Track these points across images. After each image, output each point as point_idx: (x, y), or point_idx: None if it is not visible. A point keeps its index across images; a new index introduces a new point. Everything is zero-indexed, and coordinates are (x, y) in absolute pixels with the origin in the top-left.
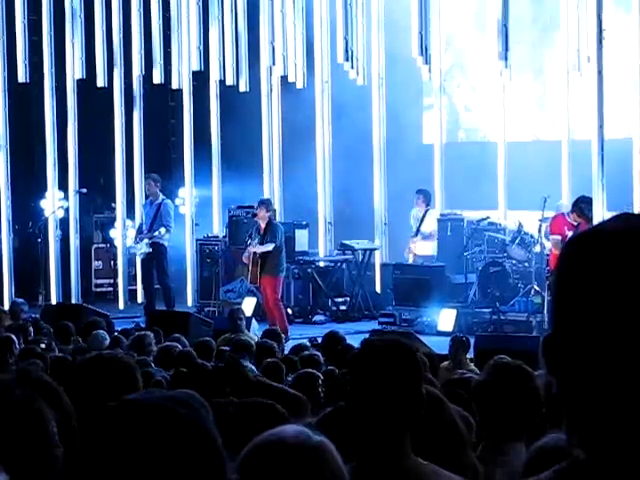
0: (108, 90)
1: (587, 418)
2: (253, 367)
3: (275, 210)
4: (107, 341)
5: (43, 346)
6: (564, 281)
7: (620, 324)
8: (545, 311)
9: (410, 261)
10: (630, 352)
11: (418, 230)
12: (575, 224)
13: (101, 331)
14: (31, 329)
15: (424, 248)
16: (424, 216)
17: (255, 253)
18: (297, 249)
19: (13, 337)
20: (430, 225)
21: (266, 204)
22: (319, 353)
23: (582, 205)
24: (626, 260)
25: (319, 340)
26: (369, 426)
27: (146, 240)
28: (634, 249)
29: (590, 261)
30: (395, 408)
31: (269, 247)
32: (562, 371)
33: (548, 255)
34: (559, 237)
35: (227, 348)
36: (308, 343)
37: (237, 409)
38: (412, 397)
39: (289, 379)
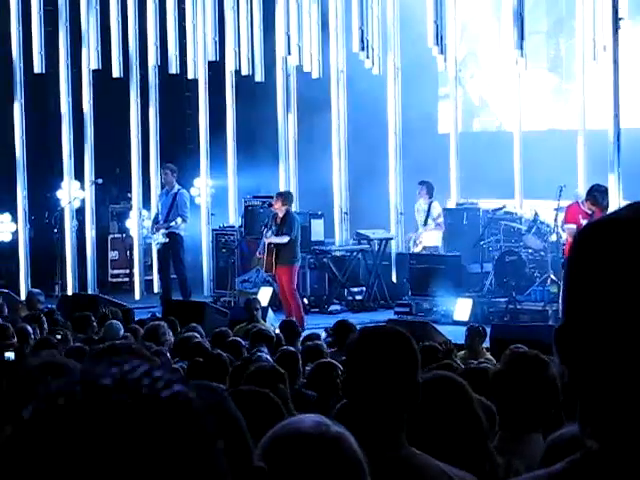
0: (124, 81)
1: (600, 409)
2: (269, 357)
3: (293, 201)
4: (122, 331)
5: (59, 337)
6: (576, 270)
7: (633, 313)
8: (560, 300)
9: (416, 251)
10: None
11: (426, 221)
12: (590, 213)
13: (115, 321)
14: (44, 319)
15: (431, 239)
16: (429, 207)
17: (270, 244)
18: (313, 239)
19: (29, 328)
20: (438, 215)
21: (283, 196)
22: (322, 343)
23: (596, 194)
24: (638, 249)
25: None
26: (364, 414)
27: (162, 230)
28: None
29: (602, 250)
30: (390, 396)
31: (284, 239)
32: (575, 361)
33: (564, 244)
34: (574, 226)
35: (242, 341)
36: (324, 333)
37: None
38: (407, 385)
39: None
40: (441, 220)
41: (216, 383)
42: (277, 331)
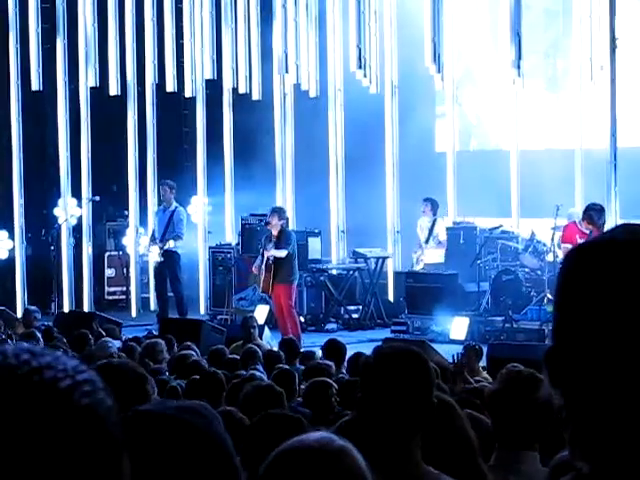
0: (121, 98)
1: (589, 431)
2: (263, 375)
3: (288, 218)
4: (113, 348)
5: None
6: (565, 292)
7: (621, 336)
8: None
9: (418, 269)
10: (632, 365)
11: (428, 239)
12: (588, 232)
13: (108, 338)
14: (39, 336)
15: (434, 256)
16: (433, 225)
17: (268, 260)
18: (310, 257)
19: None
20: (442, 233)
21: (278, 212)
22: (331, 363)
23: (591, 212)
24: (627, 272)
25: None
26: (380, 433)
27: (157, 249)
28: (634, 259)
29: (590, 273)
30: (406, 416)
31: (282, 252)
32: (564, 384)
33: (561, 264)
34: (570, 246)
35: (237, 357)
36: (320, 352)
37: (259, 420)
38: (423, 405)
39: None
40: (444, 238)
41: (212, 401)
42: (275, 349)
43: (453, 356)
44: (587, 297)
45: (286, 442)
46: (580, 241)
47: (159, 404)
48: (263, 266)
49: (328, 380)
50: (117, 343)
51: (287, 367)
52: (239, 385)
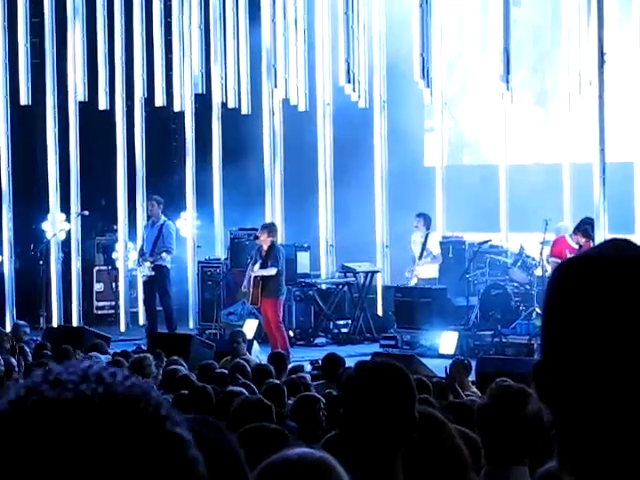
0: (110, 113)
1: (578, 446)
2: (244, 390)
3: (277, 234)
4: (102, 363)
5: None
6: (553, 307)
7: (609, 352)
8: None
9: (412, 284)
10: (619, 380)
11: (422, 253)
12: (577, 247)
13: (95, 353)
14: (27, 349)
15: (428, 271)
16: (426, 239)
17: (256, 276)
18: (299, 271)
19: (14, 361)
20: (435, 247)
21: (268, 228)
22: (307, 375)
23: (587, 226)
24: (615, 287)
25: (320, 363)
26: (362, 448)
27: (148, 263)
28: (622, 276)
29: (578, 288)
30: (387, 430)
31: (272, 271)
32: (552, 399)
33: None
34: (559, 260)
35: (226, 371)
36: (309, 365)
37: (244, 434)
38: (404, 420)
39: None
40: (438, 252)
41: (201, 415)
42: (264, 362)
43: (445, 369)
44: (576, 313)
45: (270, 457)
46: (569, 255)
47: None
48: (251, 281)
49: (316, 395)
50: (105, 358)
51: (277, 382)
52: (227, 400)
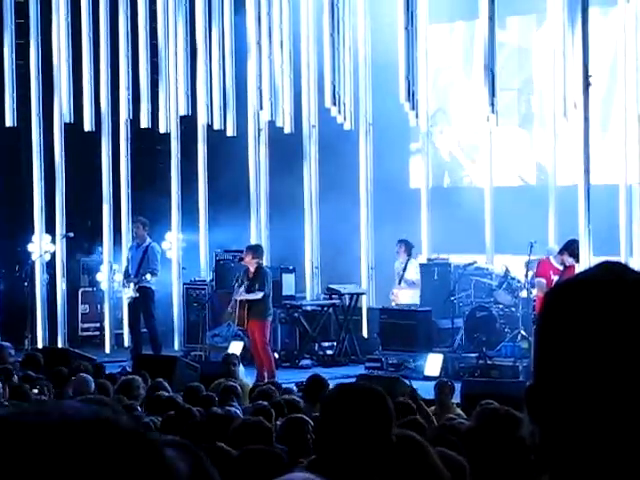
0: (95, 134)
1: (570, 469)
2: (238, 411)
3: (263, 256)
4: (93, 385)
5: (36, 391)
6: (546, 330)
7: (602, 375)
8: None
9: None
10: (613, 404)
11: (401, 279)
12: (561, 269)
13: (86, 375)
14: (14, 372)
15: (407, 297)
16: (406, 266)
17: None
18: (284, 293)
19: None
20: (413, 274)
21: (253, 250)
22: (299, 400)
23: (575, 246)
24: (608, 310)
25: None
26: (337, 469)
27: (133, 284)
28: (616, 299)
29: (572, 311)
30: (364, 452)
31: (258, 295)
32: (545, 421)
33: (534, 300)
34: (544, 280)
35: (213, 394)
36: (295, 388)
37: (241, 455)
38: (381, 442)
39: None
40: (417, 278)
41: (187, 437)
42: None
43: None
44: (570, 335)
45: None
46: (554, 277)
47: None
48: (237, 303)
49: (305, 417)
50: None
51: (265, 403)
52: (212, 422)
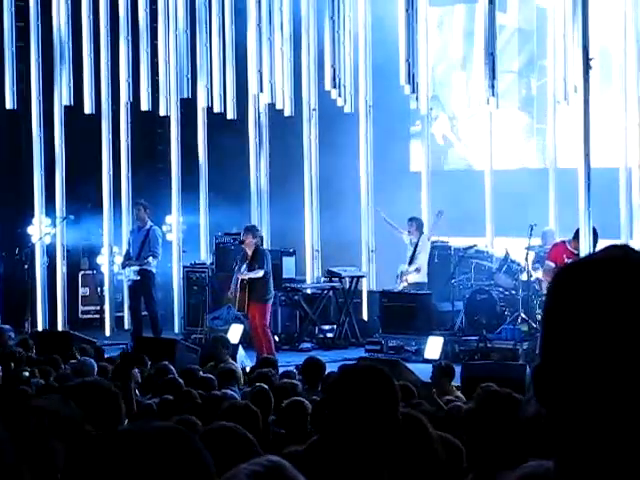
0: (96, 117)
1: (577, 448)
2: (235, 394)
3: (262, 237)
4: (95, 368)
5: (26, 374)
6: (553, 310)
7: (609, 354)
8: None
9: (400, 287)
10: (619, 383)
11: (412, 258)
12: (576, 253)
13: (89, 359)
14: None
15: (414, 276)
16: (417, 243)
17: (243, 279)
18: (284, 276)
19: None
20: (423, 257)
21: (252, 231)
22: (298, 383)
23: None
24: (616, 290)
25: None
26: (345, 451)
27: (134, 267)
28: (623, 279)
29: (579, 291)
30: (371, 433)
31: (259, 273)
32: (551, 401)
33: (541, 281)
34: (553, 264)
35: (210, 376)
36: (295, 370)
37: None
38: (388, 423)
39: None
40: (424, 262)
41: (184, 419)
42: (248, 368)
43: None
44: (578, 314)
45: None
46: (567, 260)
47: (138, 424)
48: (238, 286)
49: (304, 400)
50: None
51: (265, 386)
52: (211, 404)
